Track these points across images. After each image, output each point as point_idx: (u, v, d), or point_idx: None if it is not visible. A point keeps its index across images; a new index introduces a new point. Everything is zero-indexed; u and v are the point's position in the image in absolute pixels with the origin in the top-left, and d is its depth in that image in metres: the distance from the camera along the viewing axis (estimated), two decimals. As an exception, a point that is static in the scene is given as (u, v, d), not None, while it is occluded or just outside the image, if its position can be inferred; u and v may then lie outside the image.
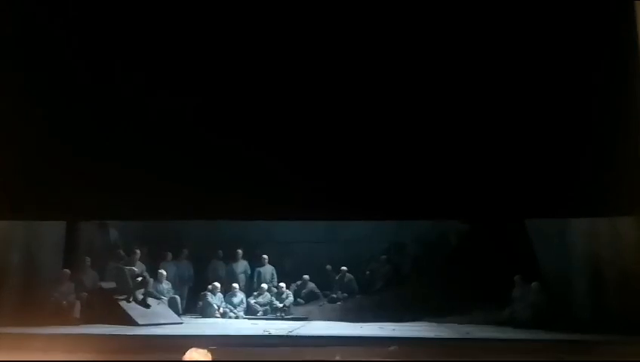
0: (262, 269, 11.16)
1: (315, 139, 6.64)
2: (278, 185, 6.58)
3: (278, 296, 10.64)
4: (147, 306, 9.27)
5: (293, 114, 6.67)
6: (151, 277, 9.88)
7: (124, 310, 8.95)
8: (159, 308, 9.47)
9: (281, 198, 6.60)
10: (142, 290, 9.46)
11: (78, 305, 8.84)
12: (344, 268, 11.10)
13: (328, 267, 11.39)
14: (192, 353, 3.29)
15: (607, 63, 6.45)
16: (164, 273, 10.30)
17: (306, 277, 11.02)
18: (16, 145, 6.69)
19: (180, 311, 10.08)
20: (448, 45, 6.53)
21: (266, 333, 8.06)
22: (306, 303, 10.75)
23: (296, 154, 6.65)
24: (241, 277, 11.10)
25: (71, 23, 6.78)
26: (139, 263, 9.96)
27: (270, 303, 10.56)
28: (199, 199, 6.65)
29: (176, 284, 10.63)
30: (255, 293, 10.75)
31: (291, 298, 10.62)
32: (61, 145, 6.68)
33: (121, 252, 10.09)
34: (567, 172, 6.43)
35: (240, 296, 10.63)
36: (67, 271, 9.17)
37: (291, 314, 10.35)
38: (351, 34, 6.59)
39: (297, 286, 10.97)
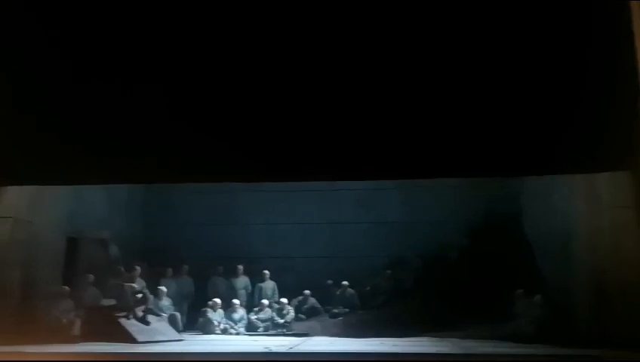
0: (263, 285, 11.12)
1: (311, 99, 6.69)
2: (272, 145, 6.63)
3: (279, 311, 10.57)
4: (147, 323, 9.20)
5: (291, 73, 6.72)
6: (151, 293, 9.82)
7: (123, 327, 8.87)
8: (159, 325, 9.40)
9: (276, 160, 6.66)
10: (142, 307, 9.39)
11: (77, 323, 8.77)
12: (345, 282, 11.05)
13: (329, 282, 11.35)
14: None
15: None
16: (165, 289, 10.27)
17: (307, 292, 10.97)
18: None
19: (180, 328, 10.02)
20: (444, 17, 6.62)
21: (267, 350, 7.98)
22: (308, 319, 10.68)
23: (293, 115, 6.69)
24: (242, 293, 11.06)
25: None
26: (139, 279, 9.92)
27: (271, 319, 10.49)
28: (190, 162, 6.71)
29: (177, 301, 10.59)
30: (256, 309, 10.69)
31: (292, 313, 10.55)
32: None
33: (121, 268, 10.04)
34: (561, 127, 6.46)
35: (241, 312, 10.57)
36: (66, 288, 9.12)
37: (292, 329, 10.27)
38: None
39: (299, 301, 10.91)
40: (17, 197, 8.09)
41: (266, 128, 6.73)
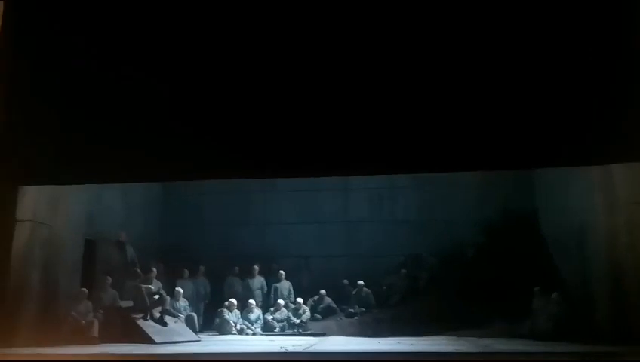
0: (279, 285, 11.15)
1: (324, 94, 6.70)
2: (283, 142, 6.67)
3: (295, 311, 10.60)
4: (164, 324, 9.29)
5: (306, 70, 6.74)
6: (168, 294, 9.91)
7: (141, 328, 8.96)
8: (176, 326, 9.48)
9: (285, 155, 6.69)
10: (159, 308, 9.48)
11: (96, 324, 8.87)
12: (361, 282, 11.04)
13: (345, 281, 11.34)
14: None
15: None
16: (181, 290, 10.36)
17: (323, 292, 10.98)
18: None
19: (197, 329, 10.09)
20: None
21: (283, 350, 8.01)
22: (324, 318, 10.69)
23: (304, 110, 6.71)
24: (258, 293, 11.11)
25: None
26: (155, 281, 9.99)
27: (287, 319, 10.52)
28: (203, 159, 6.77)
29: (193, 301, 10.67)
30: (272, 309, 10.73)
31: (308, 313, 10.57)
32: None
33: (138, 270, 10.14)
34: (577, 117, 6.36)
35: (257, 312, 10.61)
36: (85, 289, 9.23)
37: (309, 329, 10.29)
38: None
39: (314, 301, 10.92)
40: (36, 199, 8.20)
41: (279, 124, 6.74)
